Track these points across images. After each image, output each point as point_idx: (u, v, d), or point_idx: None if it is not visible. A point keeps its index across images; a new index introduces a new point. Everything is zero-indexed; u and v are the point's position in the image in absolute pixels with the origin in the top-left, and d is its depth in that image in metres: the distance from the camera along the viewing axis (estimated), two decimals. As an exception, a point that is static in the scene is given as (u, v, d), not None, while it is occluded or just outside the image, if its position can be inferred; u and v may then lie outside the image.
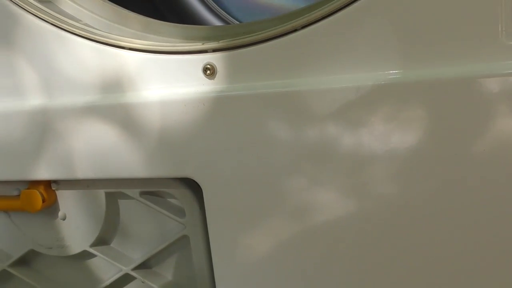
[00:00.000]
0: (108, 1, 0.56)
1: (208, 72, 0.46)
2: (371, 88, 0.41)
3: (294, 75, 0.44)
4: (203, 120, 0.46)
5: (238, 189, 0.47)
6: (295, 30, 0.43)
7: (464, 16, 0.39)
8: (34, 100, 0.51)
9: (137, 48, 0.48)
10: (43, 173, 0.52)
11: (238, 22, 1.02)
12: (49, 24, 0.50)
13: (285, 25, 0.43)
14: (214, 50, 0.46)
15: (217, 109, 0.45)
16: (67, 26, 0.49)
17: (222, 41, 0.46)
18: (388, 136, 0.42)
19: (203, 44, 0.46)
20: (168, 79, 0.47)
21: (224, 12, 1.00)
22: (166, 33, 0.53)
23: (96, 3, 0.55)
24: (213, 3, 1.01)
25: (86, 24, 0.53)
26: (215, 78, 0.46)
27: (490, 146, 0.40)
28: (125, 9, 0.56)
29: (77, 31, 0.49)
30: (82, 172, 0.50)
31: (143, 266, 0.55)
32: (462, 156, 0.40)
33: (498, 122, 0.39)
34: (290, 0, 1.02)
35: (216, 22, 0.99)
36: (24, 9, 0.50)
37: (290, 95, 0.44)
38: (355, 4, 0.41)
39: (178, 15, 0.97)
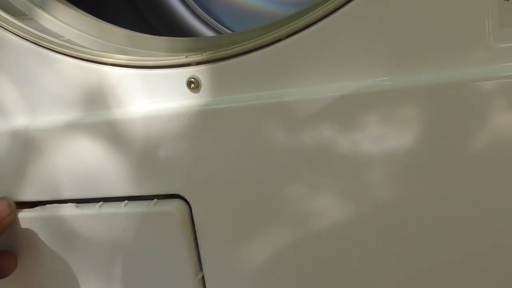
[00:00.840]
0: (91, 16, 0.55)
1: (192, 85, 0.45)
2: (358, 96, 0.40)
3: (281, 85, 0.43)
4: (188, 135, 0.45)
5: (227, 204, 0.46)
6: (279, 40, 0.42)
7: (450, 20, 0.38)
8: (17, 119, 0.50)
9: (119, 63, 0.47)
10: (27, 195, 0.50)
11: (229, 31, 1.01)
12: (29, 42, 0.49)
13: (269, 35, 0.42)
14: (198, 63, 0.45)
15: (202, 122, 0.44)
16: (47, 44, 0.48)
17: (205, 53, 0.45)
18: (379, 143, 0.41)
19: (186, 57, 0.45)
20: (152, 93, 0.46)
21: (214, 21, 0.99)
22: (150, 47, 0.52)
23: (78, 18, 0.54)
24: (203, 12, 1.00)
25: (68, 41, 0.52)
26: (200, 91, 0.45)
27: (483, 151, 0.39)
28: (109, 24, 0.55)
29: (58, 49, 0.48)
30: (68, 192, 0.49)
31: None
32: (455, 161, 0.39)
33: (491, 125, 0.38)
34: (284, 6, 1.01)
35: (206, 31, 0.98)
36: (3, 28, 0.49)
37: (277, 106, 0.42)
38: (339, 12, 0.40)
39: (167, 25, 0.96)
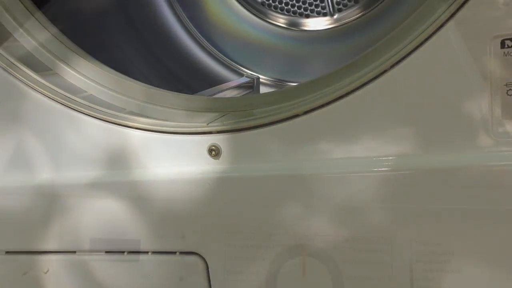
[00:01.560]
0: (112, 71, 0.57)
1: (213, 152, 0.48)
2: (368, 175, 0.44)
3: (297, 158, 0.46)
4: (208, 199, 0.48)
5: (241, 266, 0.49)
6: (296, 116, 0.45)
7: (455, 107, 0.41)
8: (42, 174, 0.53)
9: (143, 128, 0.49)
10: (50, 246, 0.53)
11: (230, 61, 1.04)
12: (56, 103, 0.51)
13: (287, 111, 0.46)
14: (219, 132, 0.48)
15: (221, 189, 0.47)
16: (74, 105, 0.51)
17: (226, 122, 0.48)
18: (383, 222, 0.44)
19: (207, 125, 0.48)
20: (173, 158, 0.49)
21: (220, 54, 1.03)
22: (168, 104, 0.55)
23: (99, 73, 0.56)
24: (209, 44, 1.03)
25: (90, 96, 0.55)
26: (220, 158, 0.48)
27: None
28: (129, 79, 0.57)
29: (85, 110, 0.51)
30: (89, 246, 0.52)
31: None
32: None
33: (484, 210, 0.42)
34: (282, 40, 1.04)
35: (213, 64, 1.01)
36: (31, 87, 0.52)
37: (293, 178, 0.46)
38: (353, 95, 0.44)
39: (174, 58, 0.99)
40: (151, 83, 0.59)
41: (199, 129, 0.48)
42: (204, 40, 1.05)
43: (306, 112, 0.45)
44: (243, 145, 0.47)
